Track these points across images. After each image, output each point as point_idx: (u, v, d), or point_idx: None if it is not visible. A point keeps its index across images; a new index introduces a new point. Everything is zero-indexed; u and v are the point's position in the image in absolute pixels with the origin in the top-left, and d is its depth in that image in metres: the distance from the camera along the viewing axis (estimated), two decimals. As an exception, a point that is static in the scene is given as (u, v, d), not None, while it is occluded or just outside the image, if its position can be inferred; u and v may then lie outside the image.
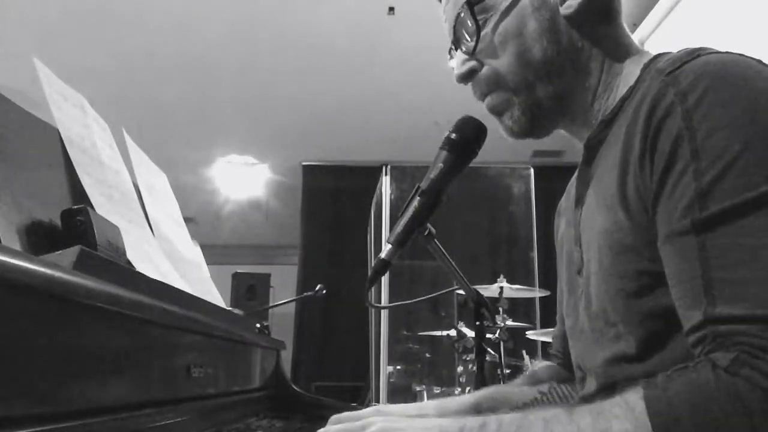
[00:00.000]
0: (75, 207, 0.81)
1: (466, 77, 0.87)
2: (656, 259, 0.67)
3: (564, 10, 0.81)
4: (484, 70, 0.85)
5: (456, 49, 0.89)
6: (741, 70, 0.65)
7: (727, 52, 0.68)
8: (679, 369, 0.58)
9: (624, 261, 0.72)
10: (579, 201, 0.86)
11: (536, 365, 1.14)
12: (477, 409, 0.98)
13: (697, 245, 0.61)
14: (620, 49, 0.83)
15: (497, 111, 0.87)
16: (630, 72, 0.81)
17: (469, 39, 0.85)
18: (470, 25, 0.84)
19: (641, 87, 0.74)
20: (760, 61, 0.67)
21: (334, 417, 0.89)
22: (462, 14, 0.85)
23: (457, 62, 0.88)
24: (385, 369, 4.39)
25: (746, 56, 0.67)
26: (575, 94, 0.84)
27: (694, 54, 0.68)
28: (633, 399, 0.58)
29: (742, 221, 0.59)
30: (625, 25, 0.86)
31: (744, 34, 2.29)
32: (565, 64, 0.83)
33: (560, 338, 1.07)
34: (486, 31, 0.84)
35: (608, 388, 0.76)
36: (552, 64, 0.82)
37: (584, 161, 0.85)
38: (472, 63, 0.86)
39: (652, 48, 0.85)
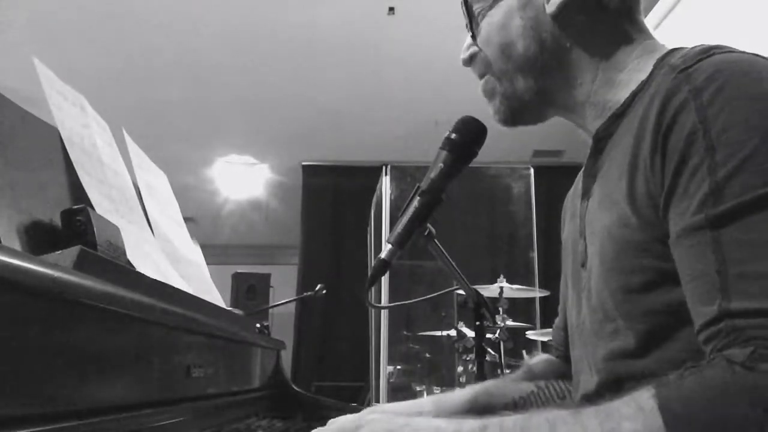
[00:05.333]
0: (75, 207, 0.81)
1: (468, 61, 0.92)
2: (664, 256, 0.67)
3: (548, 9, 0.82)
4: (480, 54, 0.89)
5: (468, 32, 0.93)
6: (755, 69, 0.64)
7: (741, 52, 0.68)
8: (692, 367, 0.57)
9: (628, 257, 0.72)
10: (585, 193, 0.86)
11: (533, 359, 1.13)
12: (473, 404, 0.98)
13: (711, 240, 0.60)
14: (621, 44, 0.82)
15: (486, 96, 0.91)
16: (636, 66, 0.80)
17: (469, 25, 0.90)
18: (467, 12, 0.90)
19: (653, 82, 0.73)
20: None
21: (332, 421, 0.88)
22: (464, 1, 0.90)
23: (464, 46, 0.92)
24: (385, 369, 4.39)
25: (760, 56, 0.67)
26: (564, 90, 0.85)
27: (709, 52, 0.67)
28: (643, 398, 0.57)
29: (757, 216, 0.58)
30: (641, 18, 0.84)
31: (746, 32, 2.29)
32: (549, 63, 0.84)
33: (560, 330, 1.06)
34: (482, 19, 0.88)
35: (609, 384, 0.75)
36: (535, 61, 0.84)
37: (592, 153, 0.85)
38: (474, 48, 0.90)
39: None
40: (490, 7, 0.86)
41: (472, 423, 0.64)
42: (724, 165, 0.60)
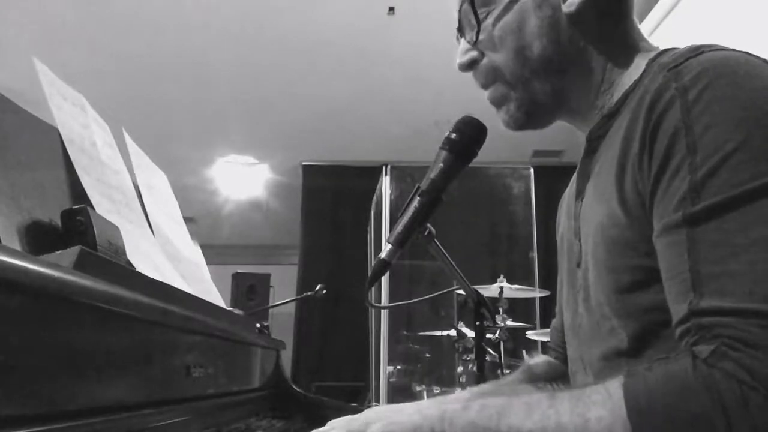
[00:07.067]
0: (75, 207, 0.81)
1: (467, 66, 0.88)
2: (652, 254, 0.67)
3: (566, 8, 0.80)
4: (484, 61, 0.86)
5: (461, 37, 0.89)
6: (743, 68, 0.64)
7: (732, 50, 0.68)
8: (660, 359, 0.59)
9: (619, 255, 0.72)
10: (579, 194, 0.86)
11: (533, 360, 1.13)
12: None
13: (687, 239, 0.61)
14: (628, 48, 0.83)
15: (495, 103, 0.88)
16: (635, 67, 0.80)
17: (471, 29, 0.86)
18: (472, 16, 0.85)
19: (644, 81, 0.74)
20: (765, 60, 0.67)
21: (332, 422, 0.89)
22: (465, 4, 0.86)
23: (460, 51, 0.89)
24: (385, 369, 4.38)
25: (751, 54, 0.67)
26: (575, 92, 0.85)
27: (699, 50, 0.67)
28: (613, 387, 0.59)
29: (731, 215, 0.59)
30: (636, 21, 0.85)
31: (746, 31, 2.29)
32: (564, 63, 0.83)
33: (558, 331, 1.06)
34: (487, 23, 0.84)
35: None
36: (550, 62, 0.82)
37: (586, 153, 0.85)
38: (474, 53, 0.87)
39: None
40: (505, 10, 0.83)
41: (455, 405, 0.66)
42: (704, 164, 0.61)
